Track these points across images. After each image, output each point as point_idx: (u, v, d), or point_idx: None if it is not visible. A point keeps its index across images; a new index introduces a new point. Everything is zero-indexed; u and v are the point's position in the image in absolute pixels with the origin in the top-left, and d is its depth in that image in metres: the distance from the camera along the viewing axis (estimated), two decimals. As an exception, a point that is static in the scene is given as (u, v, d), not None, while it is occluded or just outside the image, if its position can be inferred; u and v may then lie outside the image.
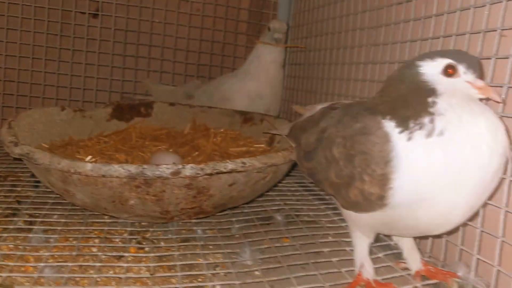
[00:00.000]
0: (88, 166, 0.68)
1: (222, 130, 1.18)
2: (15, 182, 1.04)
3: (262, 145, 1.09)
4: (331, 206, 0.98)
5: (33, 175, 1.09)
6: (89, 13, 1.52)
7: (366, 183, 0.55)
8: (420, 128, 0.52)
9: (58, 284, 0.62)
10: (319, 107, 0.75)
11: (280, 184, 1.13)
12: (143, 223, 0.86)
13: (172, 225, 0.86)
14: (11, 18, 1.47)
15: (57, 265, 0.66)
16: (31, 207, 0.90)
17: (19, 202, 0.92)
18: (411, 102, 0.55)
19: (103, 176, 0.68)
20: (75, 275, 0.65)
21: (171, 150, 1.05)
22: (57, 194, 0.95)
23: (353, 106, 0.64)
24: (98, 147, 0.99)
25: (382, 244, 0.76)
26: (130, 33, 1.57)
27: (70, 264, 0.67)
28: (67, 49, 1.53)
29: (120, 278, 0.66)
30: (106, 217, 0.86)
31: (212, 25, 1.63)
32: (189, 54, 1.63)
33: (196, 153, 1.04)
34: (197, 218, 0.87)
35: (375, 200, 0.55)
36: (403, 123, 0.53)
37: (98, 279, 0.64)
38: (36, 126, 0.98)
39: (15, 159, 1.20)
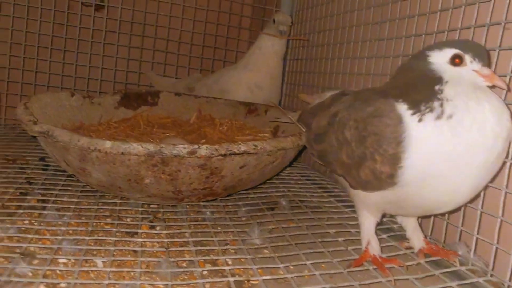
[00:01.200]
0: (107, 143, 0.71)
1: (227, 120, 1.21)
2: (23, 165, 1.06)
3: (267, 135, 1.12)
4: (333, 194, 1.01)
5: (42, 159, 1.11)
6: (95, 4, 1.54)
7: (377, 162, 0.58)
8: (431, 111, 0.56)
9: (77, 255, 0.64)
10: (328, 94, 0.78)
11: (283, 174, 1.16)
12: (152, 206, 0.89)
13: (182, 207, 0.88)
14: (18, 6, 1.49)
15: (74, 239, 0.69)
16: (42, 187, 0.92)
17: (30, 183, 0.95)
18: (421, 88, 0.58)
19: (122, 153, 0.70)
20: (93, 247, 0.67)
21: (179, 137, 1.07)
22: (67, 177, 0.98)
23: (364, 92, 0.67)
24: (109, 132, 1.02)
25: (386, 227, 0.79)
26: (135, 25, 1.60)
27: (87, 238, 0.70)
28: (72, 39, 1.55)
29: (135, 251, 0.68)
30: (116, 199, 0.88)
31: (216, 19, 1.66)
32: (193, 48, 1.65)
33: (203, 140, 1.07)
34: (205, 201, 0.90)
35: (385, 179, 0.58)
36: (415, 106, 0.57)
37: (115, 253, 0.67)
38: (47, 110, 1.00)
39: (23, 143, 1.23)
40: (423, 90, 0.58)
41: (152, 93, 1.26)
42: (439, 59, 0.60)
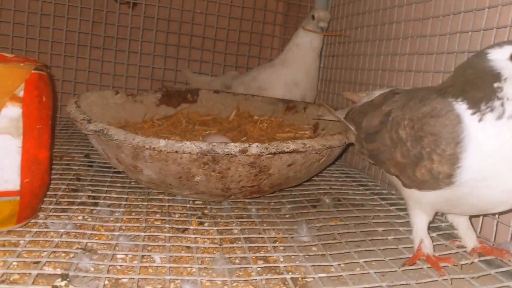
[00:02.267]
0: (161, 142, 0.72)
1: (266, 117, 1.22)
2: (70, 162, 1.09)
3: (307, 132, 1.13)
4: (375, 191, 1.01)
5: (86, 155, 1.14)
6: (129, 1, 1.56)
7: (435, 162, 0.58)
8: (491, 110, 0.55)
9: (133, 251, 0.66)
10: (377, 92, 0.78)
11: (323, 172, 1.17)
12: (197, 202, 0.90)
13: (227, 203, 0.90)
14: (58, 5, 1.53)
15: (130, 235, 0.71)
16: (91, 184, 0.94)
17: (79, 179, 0.97)
18: (481, 86, 0.58)
19: (176, 152, 0.72)
20: (148, 243, 0.69)
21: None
22: (113, 173, 1.01)
23: (419, 91, 0.67)
24: (153, 130, 1.04)
25: (434, 225, 0.79)
26: (172, 23, 1.62)
27: (142, 233, 0.71)
28: (111, 37, 1.58)
29: (189, 247, 0.70)
30: (163, 195, 0.90)
31: (251, 16, 1.67)
32: (228, 45, 1.67)
33: (244, 138, 1.08)
34: (250, 198, 0.91)
35: (442, 179, 0.58)
36: (475, 105, 0.56)
37: (170, 248, 0.68)
38: (94, 108, 1.03)
39: (65, 139, 1.26)
40: (482, 87, 0.57)
41: (192, 90, 1.28)
42: (499, 55, 0.59)
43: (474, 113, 0.56)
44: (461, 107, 0.57)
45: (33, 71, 0.67)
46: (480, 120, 0.56)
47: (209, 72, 1.66)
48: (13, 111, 0.64)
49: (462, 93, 0.59)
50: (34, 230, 0.69)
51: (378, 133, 0.69)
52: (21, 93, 0.65)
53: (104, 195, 0.88)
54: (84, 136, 1.32)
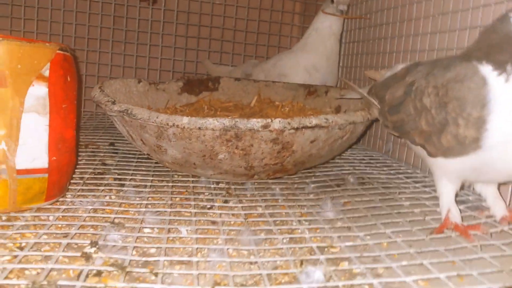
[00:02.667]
0: (184, 119, 0.73)
1: (287, 102, 1.22)
2: (95, 150, 1.11)
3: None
4: (400, 171, 1.00)
5: (111, 144, 1.16)
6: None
7: (461, 127, 0.57)
8: None
9: (160, 225, 0.67)
10: (400, 66, 0.77)
11: (345, 154, 1.16)
12: (221, 184, 0.91)
13: (251, 184, 0.90)
14: (80, 1, 1.55)
15: (156, 211, 0.72)
16: (116, 168, 0.96)
17: (104, 164, 0.99)
18: (506, 49, 0.57)
19: (199, 128, 0.73)
20: (176, 218, 0.70)
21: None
22: (138, 159, 1.02)
23: (442, 60, 0.66)
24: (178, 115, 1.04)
25: (461, 199, 0.78)
26: (192, 15, 1.63)
27: (168, 209, 0.72)
28: (132, 31, 1.60)
29: (215, 222, 0.70)
30: (187, 177, 0.91)
31: (270, 5, 1.67)
32: (247, 35, 1.67)
33: (266, 121, 1.08)
34: (273, 178, 0.91)
35: (469, 143, 0.57)
36: (501, 66, 0.55)
37: (196, 223, 0.69)
38: (117, 95, 1.05)
39: (91, 130, 1.28)
40: (507, 50, 0.56)
41: (213, 79, 1.29)
42: None
43: (499, 75, 0.55)
44: (486, 69, 0.56)
45: (58, 51, 0.68)
46: (507, 81, 0.55)
47: (229, 62, 1.67)
48: (40, 90, 0.66)
49: (487, 56, 0.58)
50: (63, 207, 0.71)
51: (401, 104, 0.68)
52: (46, 73, 0.67)
53: (130, 177, 0.89)
54: (109, 127, 1.35)
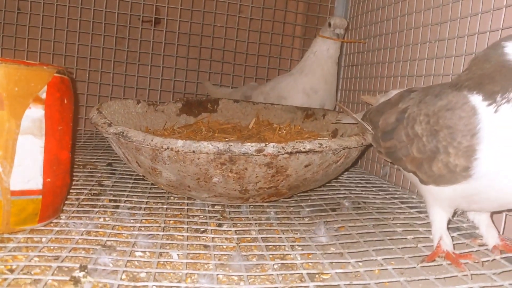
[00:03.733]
0: (179, 142, 0.74)
1: (285, 125, 1.23)
2: (93, 170, 1.12)
3: (326, 138, 1.12)
4: (396, 196, 1.00)
5: (109, 164, 1.17)
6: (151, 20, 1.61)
7: (451, 155, 0.58)
8: (508, 101, 0.55)
9: (151, 248, 0.67)
10: (394, 92, 0.78)
11: (342, 177, 1.16)
12: (216, 206, 0.91)
13: (246, 207, 0.90)
14: (83, 22, 1.58)
15: (149, 234, 0.72)
16: (112, 189, 0.96)
17: (101, 185, 0.99)
18: (498, 79, 0.57)
19: (193, 152, 0.73)
20: (166, 241, 0.70)
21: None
22: (134, 180, 1.03)
23: (434, 87, 0.67)
24: (174, 137, 1.05)
25: (454, 226, 0.78)
26: (193, 36, 1.65)
27: (160, 233, 0.72)
28: (134, 52, 1.62)
29: (207, 246, 0.70)
30: (182, 199, 0.92)
31: (271, 29, 1.69)
32: (248, 57, 1.69)
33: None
34: (268, 202, 0.91)
35: (460, 172, 0.58)
36: (491, 97, 0.56)
37: (188, 247, 0.69)
38: (116, 116, 1.05)
39: (90, 150, 1.29)
40: (500, 81, 0.56)
41: (212, 100, 1.30)
42: None
43: (489, 105, 0.56)
44: (477, 99, 0.57)
45: (55, 74, 0.69)
46: (496, 111, 0.55)
47: (229, 84, 1.69)
48: (36, 112, 0.67)
49: (478, 86, 0.58)
50: (56, 229, 0.71)
51: (394, 131, 0.68)
52: (43, 95, 0.67)
53: (125, 198, 0.90)
54: (107, 147, 1.36)
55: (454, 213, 0.70)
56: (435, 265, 0.63)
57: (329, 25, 1.35)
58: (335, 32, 1.34)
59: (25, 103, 0.65)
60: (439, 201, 0.66)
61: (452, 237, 0.73)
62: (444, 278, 0.59)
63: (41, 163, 0.68)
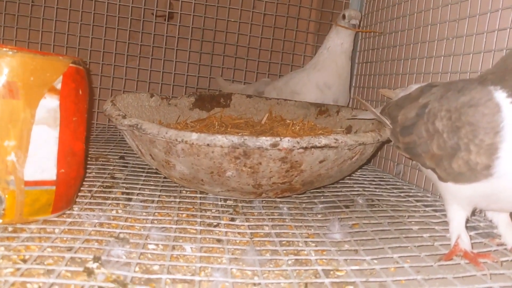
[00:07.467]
0: (193, 135, 0.73)
1: (298, 120, 1.22)
2: (105, 163, 1.11)
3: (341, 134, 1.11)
4: (410, 194, 0.99)
5: (121, 157, 1.16)
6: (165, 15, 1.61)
7: (472, 153, 0.56)
8: None
9: (165, 241, 0.66)
10: (414, 86, 0.77)
11: (355, 175, 1.15)
12: (229, 201, 0.90)
13: (258, 202, 0.89)
14: (97, 15, 1.58)
15: (162, 227, 0.71)
16: (125, 182, 0.96)
17: (113, 178, 0.99)
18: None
19: (208, 145, 0.72)
20: (181, 234, 0.69)
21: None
22: (147, 173, 1.02)
23: (457, 82, 0.65)
24: (186, 130, 1.04)
25: (472, 225, 0.76)
26: (206, 31, 1.65)
27: (174, 226, 0.72)
28: (147, 46, 1.61)
29: (220, 240, 0.70)
30: (195, 193, 0.91)
31: (284, 24, 1.68)
32: (261, 52, 1.68)
33: (277, 139, 1.08)
34: (281, 197, 0.90)
35: (480, 170, 0.56)
36: None
37: (201, 240, 0.68)
38: (129, 109, 1.05)
39: (102, 143, 1.29)
40: (523, 76, 0.55)
41: (225, 95, 1.29)
42: None
43: (513, 101, 0.54)
44: (501, 96, 0.56)
45: (70, 65, 0.69)
46: (520, 108, 0.54)
47: (242, 79, 1.68)
48: (51, 102, 0.66)
49: (502, 81, 0.57)
50: (69, 220, 0.71)
51: (414, 126, 0.67)
52: (58, 86, 0.67)
53: (137, 191, 0.89)
54: (120, 140, 1.36)
55: (473, 212, 0.69)
56: (452, 264, 0.62)
57: (343, 17, 1.34)
58: (351, 23, 1.33)
59: (40, 93, 0.65)
60: (458, 199, 0.65)
61: (469, 236, 0.72)
62: (462, 277, 0.58)
63: (55, 154, 0.67)
